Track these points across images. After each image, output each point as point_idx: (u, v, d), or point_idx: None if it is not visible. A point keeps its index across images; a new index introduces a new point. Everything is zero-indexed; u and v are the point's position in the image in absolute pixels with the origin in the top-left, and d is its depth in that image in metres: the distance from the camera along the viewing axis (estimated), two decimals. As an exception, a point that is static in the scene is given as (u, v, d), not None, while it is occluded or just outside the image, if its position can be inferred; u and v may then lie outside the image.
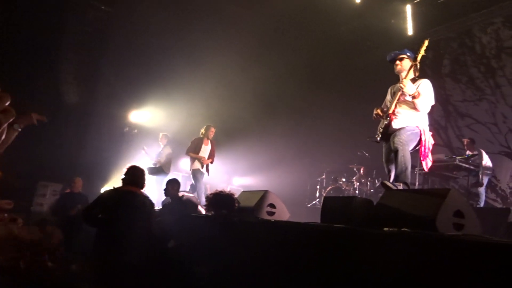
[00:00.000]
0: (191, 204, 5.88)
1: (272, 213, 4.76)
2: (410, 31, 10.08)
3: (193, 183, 7.85)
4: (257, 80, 10.21)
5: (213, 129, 8.13)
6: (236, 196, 4.84)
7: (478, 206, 6.94)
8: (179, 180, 6.94)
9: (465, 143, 7.55)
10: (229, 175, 11.43)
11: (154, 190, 8.40)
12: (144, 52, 9.71)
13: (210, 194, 4.66)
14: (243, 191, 5.70)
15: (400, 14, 10.21)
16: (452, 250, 2.20)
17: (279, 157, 10.76)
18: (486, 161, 7.23)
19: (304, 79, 11.16)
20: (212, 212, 4.56)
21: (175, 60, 9.95)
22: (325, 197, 3.88)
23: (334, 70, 11.08)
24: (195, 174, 7.78)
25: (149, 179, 8.78)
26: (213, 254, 3.90)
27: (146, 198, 4.48)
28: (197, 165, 7.81)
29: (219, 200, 4.52)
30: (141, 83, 9.81)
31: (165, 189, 6.06)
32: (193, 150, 7.93)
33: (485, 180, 7.14)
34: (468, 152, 7.39)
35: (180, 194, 6.23)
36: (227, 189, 10.88)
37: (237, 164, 11.02)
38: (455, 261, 2.15)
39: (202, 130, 8.15)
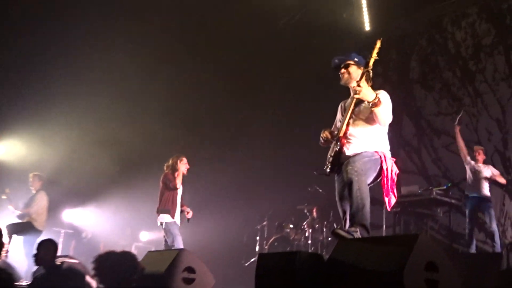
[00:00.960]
0: (74, 275, 5.60)
1: (190, 281, 4.71)
2: (366, 25, 10.64)
3: (167, 240, 7.45)
4: (171, 90, 10.18)
5: (185, 159, 7.85)
6: (138, 258, 4.69)
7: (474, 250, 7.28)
8: (57, 240, 6.62)
9: (479, 153, 7.87)
10: (134, 228, 11.16)
11: (20, 257, 7.98)
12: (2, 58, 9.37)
13: (97, 256, 4.42)
14: (150, 251, 5.57)
15: (354, 4, 10.74)
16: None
17: (202, 199, 10.67)
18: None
19: (234, 89, 11.29)
20: (102, 284, 4.33)
21: (50, 68, 9.68)
22: (259, 255, 3.85)
23: (272, 78, 11.31)
24: (170, 227, 7.46)
25: (12, 240, 8.45)
26: None
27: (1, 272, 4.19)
28: (166, 217, 7.53)
29: (110, 265, 4.30)
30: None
31: (35, 255, 5.75)
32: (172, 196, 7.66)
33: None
34: (479, 165, 7.73)
35: (59, 261, 5.93)
36: (131, 248, 10.71)
37: (145, 211, 10.78)
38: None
39: (172, 162, 7.78)
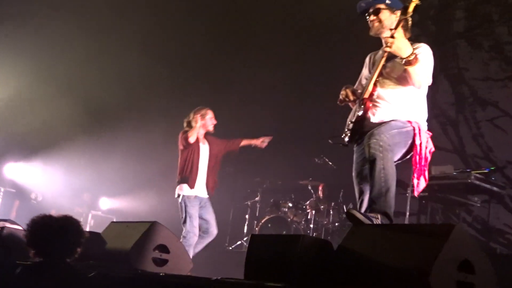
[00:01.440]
0: (15, 244, 5.64)
1: (162, 262, 4.76)
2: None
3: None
4: (151, 22, 10.11)
5: (209, 113, 7.77)
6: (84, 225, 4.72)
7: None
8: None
9: None
10: (94, 193, 11.21)
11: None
12: None
13: (30, 222, 4.39)
14: (113, 222, 5.60)
15: None
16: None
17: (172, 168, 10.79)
18: None
19: (228, 33, 11.24)
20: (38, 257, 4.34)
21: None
22: (252, 236, 3.88)
23: (273, 22, 11.22)
24: (184, 202, 7.45)
25: None
26: None
27: None
28: (184, 187, 7.49)
29: (47, 233, 4.28)
30: None
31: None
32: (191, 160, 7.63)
33: None
34: None
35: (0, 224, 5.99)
36: (88, 217, 10.77)
37: (108, 174, 10.83)
38: None
39: (192, 116, 7.67)
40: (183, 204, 7.31)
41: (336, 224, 9.46)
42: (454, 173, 7.66)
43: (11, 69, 9.94)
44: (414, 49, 4.26)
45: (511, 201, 8.57)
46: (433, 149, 4.45)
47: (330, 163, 9.65)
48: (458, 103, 10.11)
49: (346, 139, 4.53)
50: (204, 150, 7.60)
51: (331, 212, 9.57)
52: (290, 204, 9.84)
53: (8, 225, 6.19)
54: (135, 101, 10.56)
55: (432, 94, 4.56)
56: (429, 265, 2.79)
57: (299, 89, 10.97)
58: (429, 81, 4.40)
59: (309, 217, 9.65)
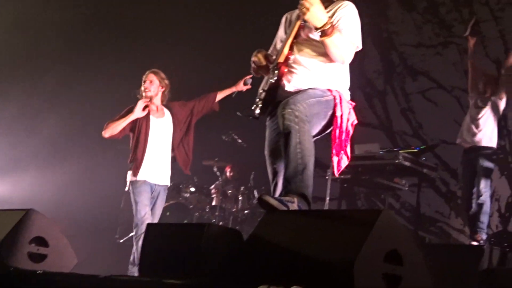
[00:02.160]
0: None
1: (40, 258, 4.72)
2: None
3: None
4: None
5: (158, 77, 7.47)
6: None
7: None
8: None
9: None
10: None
11: None
12: None
13: None
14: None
15: None
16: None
17: (56, 142, 10.59)
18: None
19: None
20: None
21: None
22: (148, 225, 3.87)
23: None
24: (130, 190, 7.30)
25: None
26: None
27: None
28: (129, 173, 7.33)
29: None
30: None
31: None
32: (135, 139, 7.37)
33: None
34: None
35: None
36: None
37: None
38: None
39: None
40: (130, 192, 7.20)
41: (246, 211, 9.53)
42: (380, 153, 7.80)
43: None
44: (333, 12, 4.31)
45: (444, 184, 8.86)
46: (355, 122, 4.49)
47: (240, 141, 9.69)
48: (386, 72, 10.32)
49: (257, 110, 4.50)
50: (159, 123, 7.38)
51: (240, 198, 9.65)
52: (193, 189, 9.85)
53: None
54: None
55: (358, 61, 4.57)
56: (353, 256, 2.83)
57: (203, 48, 10.93)
58: (353, 51, 4.37)
59: (214, 203, 9.68)
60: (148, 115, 7.26)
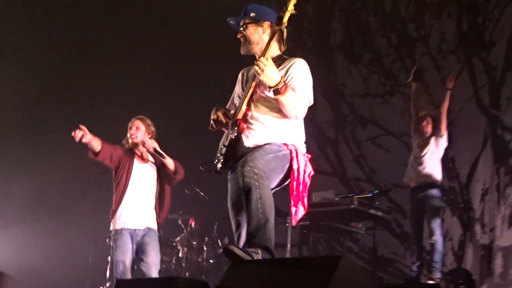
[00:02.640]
0: None
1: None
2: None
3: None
4: None
5: (144, 124, 7.18)
6: None
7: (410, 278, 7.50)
8: None
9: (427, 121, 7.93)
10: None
11: None
12: None
13: None
14: None
15: None
16: None
17: (26, 203, 10.41)
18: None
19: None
20: None
21: None
22: (117, 281, 3.76)
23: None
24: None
25: None
26: None
27: None
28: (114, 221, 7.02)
29: None
30: None
31: None
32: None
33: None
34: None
35: None
36: None
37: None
38: None
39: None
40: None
41: (211, 261, 9.44)
42: (336, 199, 7.83)
43: None
44: (288, 68, 4.32)
45: (398, 226, 8.87)
46: (312, 173, 4.46)
47: (202, 194, 9.64)
48: (337, 122, 10.38)
49: (219, 165, 4.48)
50: (142, 169, 7.09)
51: (205, 248, 9.55)
52: (159, 241, 9.71)
53: None
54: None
55: (311, 113, 4.57)
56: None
57: (169, 105, 10.91)
58: (306, 107, 4.35)
59: (180, 255, 9.55)
60: (132, 160, 7.01)
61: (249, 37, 4.45)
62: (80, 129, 6.40)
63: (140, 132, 7.03)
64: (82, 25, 11.43)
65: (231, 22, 4.57)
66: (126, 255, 6.70)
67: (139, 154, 7.11)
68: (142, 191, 6.99)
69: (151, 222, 7.02)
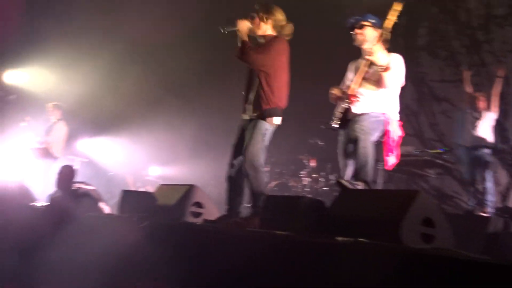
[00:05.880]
0: (88, 200, 5.72)
1: (198, 215, 4.76)
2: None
3: None
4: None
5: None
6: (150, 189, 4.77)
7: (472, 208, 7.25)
8: (75, 167, 6.70)
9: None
10: (144, 162, 11.23)
11: (39, 179, 8.11)
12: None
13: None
14: (161, 184, 5.62)
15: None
16: (418, 267, 2.28)
17: (209, 141, 10.67)
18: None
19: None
20: None
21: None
22: (267, 196, 3.90)
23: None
24: None
25: (33, 163, 8.54)
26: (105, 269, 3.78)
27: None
28: None
29: None
30: (24, 30, 9.32)
31: (56, 178, 5.91)
32: None
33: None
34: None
35: (76, 185, 6.07)
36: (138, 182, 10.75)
37: (156, 150, 10.84)
38: (421, 281, 2.23)
39: None
40: None
41: (324, 188, 9.47)
42: (415, 152, 7.70)
43: (88, 67, 9.89)
44: (389, 58, 4.28)
45: (459, 174, 8.54)
46: (401, 135, 4.49)
47: (320, 143, 9.66)
48: (419, 99, 10.10)
49: (334, 125, 4.54)
50: None
51: (320, 180, 9.56)
52: (291, 173, 9.87)
53: (83, 185, 6.27)
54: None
55: (401, 92, 4.56)
56: (399, 221, 2.80)
57: (300, 86, 10.86)
58: (400, 83, 4.42)
59: (304, 183, 9.64)
60: None
61: (366, 35, 4.42)
62: None
63: None
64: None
65: (352, 20, 4.51)
66: None
67: None
68: None
69: None
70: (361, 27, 4.45)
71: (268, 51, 4.23)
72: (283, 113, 4.41)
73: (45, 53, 9.59)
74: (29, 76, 10.02)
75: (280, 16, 4.38)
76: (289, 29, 4.42)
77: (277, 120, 4.32)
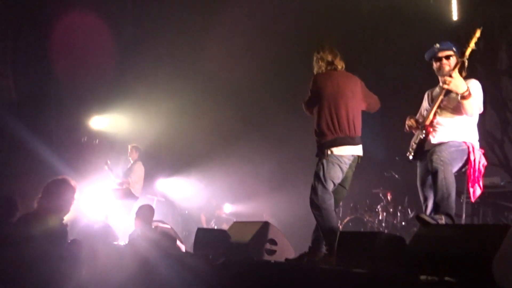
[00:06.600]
0: (166, 238, 5.79)
1: (272, 252, 4.72)
2: (454, 15, 9.99)
3: None
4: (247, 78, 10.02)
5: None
6: (224, 227, 4.75)
7: None
8: (153, 206, 6.83)
9: None
10: (219, 199, 11.33)
11: (120, 219, 8.32)
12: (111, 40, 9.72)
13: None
14: (236, 221, 5.61)
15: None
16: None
17: (281, 179, 10.63)
18: None
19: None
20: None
21: (156, 52, 9.92)
22: (341, 232, 3.77)
23: (352, 62, 11.01)
24: None
25: (114, 204, 8.83)
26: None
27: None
28: None
29: None
30: (107, 80, 9.77)
31: (135, 218, 6.04)
32: None
33: None
34: None
35: (154, 224, 6.18)
36: (213, 219, 10.84)
37: (230, 187, 10.92)
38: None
39: None
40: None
41: (403, 223, 9.11)
42: (501, 183, 7.31)
43: (164, 111, 10.24)
44: (468, 87, 4.10)
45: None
46: (485, 164, 4.26)
47: (396, 176, 9.37)
48: (502, 126, 9.60)
49: (410, 157, 4.45)
50: None
51: (398, 214, 9.23)
52: (366, 208, 9.61)
53: (160, 224, 6.39)
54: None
55: (481, 119, 4.35)
56: (490, 258, 2.58)
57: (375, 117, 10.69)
58: (480, 110, 4.23)
59: (380, 217, 9.34)
60: None
61: (451, 64, 4.27)
62: None
63: None
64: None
65: (435, 49, 4.36)
66: None
67: None
68: None
69: None
70: (448, 57, 4.31)
71: None
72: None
73: (126, 97, 10.02)
74: (110, 120, 10.47)
75: None
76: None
77: None
